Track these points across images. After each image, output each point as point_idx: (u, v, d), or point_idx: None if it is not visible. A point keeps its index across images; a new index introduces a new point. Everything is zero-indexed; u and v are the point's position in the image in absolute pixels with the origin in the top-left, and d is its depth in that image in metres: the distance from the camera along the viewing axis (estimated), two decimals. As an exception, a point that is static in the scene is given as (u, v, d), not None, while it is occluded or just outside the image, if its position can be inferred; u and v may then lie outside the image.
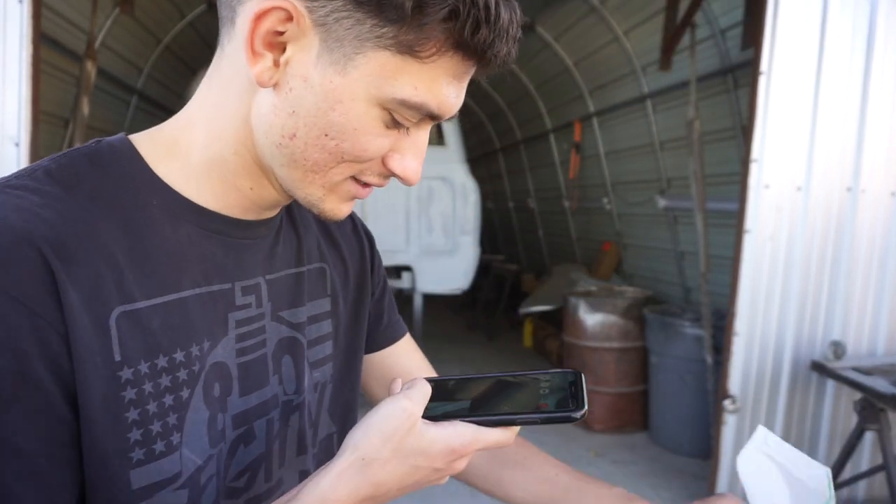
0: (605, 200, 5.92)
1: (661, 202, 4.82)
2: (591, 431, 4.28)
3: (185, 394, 0.53)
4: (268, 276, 0.64)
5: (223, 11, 0.54)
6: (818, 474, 0.71)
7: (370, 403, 0.77)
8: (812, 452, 3.06)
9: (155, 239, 0.54)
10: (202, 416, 0.55)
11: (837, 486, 2.79)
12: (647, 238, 5.41)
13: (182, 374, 0.54)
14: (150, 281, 0.53)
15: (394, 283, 4.66)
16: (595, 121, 5.84)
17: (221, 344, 0.58)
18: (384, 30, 0.48)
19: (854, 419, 2.68)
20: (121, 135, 0.58)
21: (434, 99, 0.52)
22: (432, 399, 0.54)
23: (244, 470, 0.60)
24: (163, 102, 5.67)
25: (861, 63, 2.89)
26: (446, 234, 4.66)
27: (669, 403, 4.00)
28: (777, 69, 2.80)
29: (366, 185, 0.58)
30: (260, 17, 0.49)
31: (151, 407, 0.51)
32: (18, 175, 0.51)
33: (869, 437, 2.88)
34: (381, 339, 0.83)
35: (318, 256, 0.72)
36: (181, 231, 0.56)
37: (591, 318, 4.42)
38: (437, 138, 5.17)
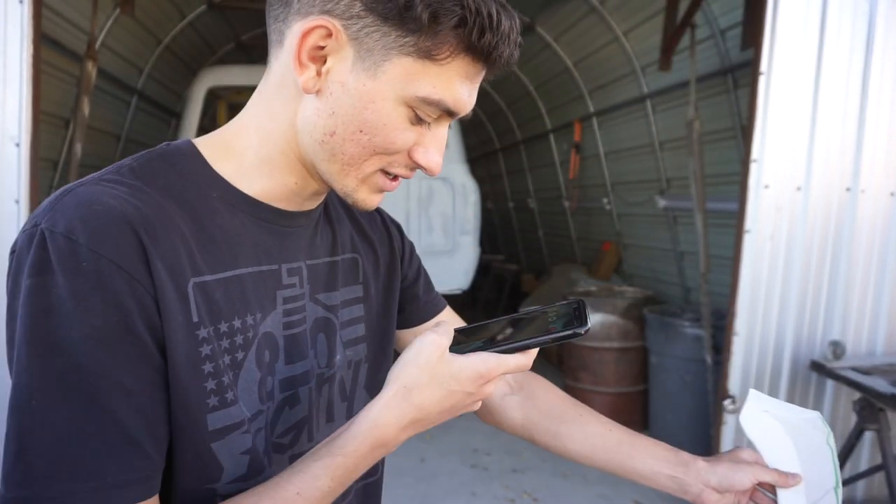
0: (605, 200, 5.93)
1: (661, 202, 4.82)
2: (590, 431, 4.28)
3: (240, 356, 0.63)
4: (308, 262, 0.73)
5: (272, 35, 0.65)
6: (812, 417, 0.82)
7: None
8: (812, 452, 3.06)
9: (216, 224, 0.64)
10: (254, 376, 0.65)
11: (837, 485, 2.79)
12: (647, 238, 5.41)
13: (238, 339, 0.63)
14: (214, 258, 0.63)
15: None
16: (595, 121, 5.84)
17: (271, 317, 0.68)
18: (406, 39, 0.58)
19: (853, 419, 2.68)
20: (186, 139, 0.70)
21: (451, 96, 0.61)
22: (459, 342, 0.64)
23: (290, 429, 0.69)
24: (163, 102, 5.67)
25: (860, 63, 2.89)
26: (446, 234, 4.66)
27: (669, 403, 4.01)
28: (777, 69, 2.80)
29: (394, 178, 0.67)
30: (306, 34, 0.60)
31: (220, 363, 0.61)
32: (108, 171, 0.63)
33: (868, 436, 2.88)
34: (420, 314, 0.92)
35: (351, 248, 0.82)
36: (236, 219, 0.66)
37: (590, 318, 4.42)
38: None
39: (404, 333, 0.91)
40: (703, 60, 4.04)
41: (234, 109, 7.91)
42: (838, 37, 2.85)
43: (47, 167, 3.96)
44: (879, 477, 2.87)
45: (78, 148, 3.61)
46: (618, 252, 5.94)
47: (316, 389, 0.73)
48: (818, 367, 2.81)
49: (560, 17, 5.61)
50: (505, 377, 0.94)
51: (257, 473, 0.63)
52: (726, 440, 3.00)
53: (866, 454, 3.04)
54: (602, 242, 6.19)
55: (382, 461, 0.87)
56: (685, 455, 0.85)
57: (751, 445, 0.84)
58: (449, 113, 0.63)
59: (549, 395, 0.94)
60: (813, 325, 2.99)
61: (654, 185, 5.07)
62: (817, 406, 3.05)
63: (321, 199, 0.75)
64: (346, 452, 0.59)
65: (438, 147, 0.65)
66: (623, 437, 0.89)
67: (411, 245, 0.94)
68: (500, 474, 3.69)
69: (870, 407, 2.53)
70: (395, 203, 4.61)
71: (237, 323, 0.63)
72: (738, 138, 3.90)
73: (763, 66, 2.79)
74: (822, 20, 2.83)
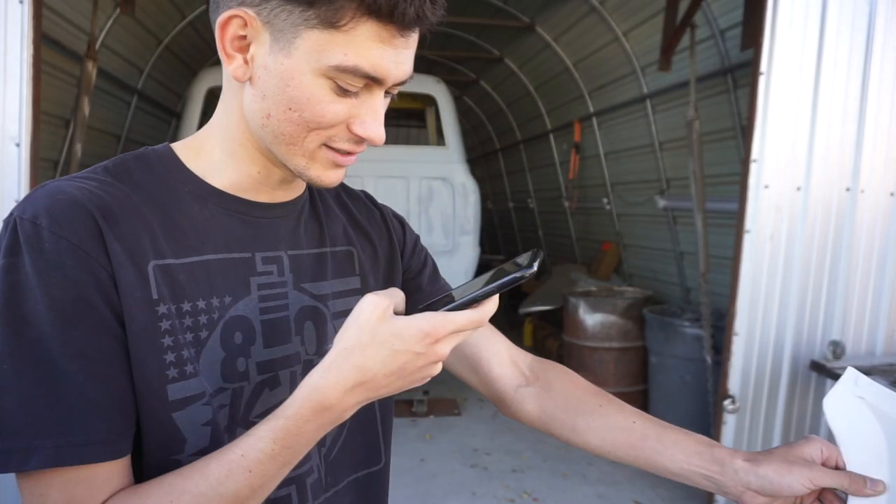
0: (605, 200, 5.93)
1: (661, 202, 4.82)
2: (590, 431, 4.28)
3: (203, 334, 0.66)
4: (290, 252, 0.76)
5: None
6: None
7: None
8: (811, 452, 3.06)
9: (184, 215, 0.68)
10: (217, 355, 0.67)
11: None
12: (646, 238, 5.41)
13: (202, 319, 0.66)
14: (179, 245, 0.67)
15: (394, 283, 4.66)
16: (595, 121, 5.84)
17: (244, 301, 0.70)
18: (308, 13, 0.60)
19: (853, 419, 2.68)
20: (164, 143, 0.74)
21: (366, 62, 0.62)
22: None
23: (269, 409, 0.67)
24: (163, 102, 5.67)
25: (860, 63, 2.89)
26: (446, 234, 4.65)
27: (669, 403, 4.01)
28: (776, 69, 2.80)
29: (347, 153, 0.68)
30: (223, 26, 0.64)
31: (180, 338, 0.64)
32: (86, 170, 0.68)
33: (868, 436, 2.88)
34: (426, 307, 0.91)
35: (346, 241, 0.84)
36: (206, 210, 0.70)
37: (591, 318, 4.43)
38: (438, 138, 5.17)
39: None
40: (703, 60, 4.05)
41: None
42: (838, 37, 2.85)
43: (47, 167, 3.96)
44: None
45: (78, 148, 3.61)
46: (618, 252, 5.94)
47: (302, 375, 0.72)
48: (818, 367, 2.81)
49: (560, 17, 5.61)
50: (519, 367, 0.92)
51: (219, 446, 0.64)
52: (726, 440, 3.00)
53: (866, 454, 3.04)
54: (602, 242, 6.19)
55: (385, 451, 0.88)
56: (721, 451, 0.74)
57: (830, 437, 0.70)
58: (374, 80, 0.63)
59: (566, 384, 0.89)
60: (813, 325, 2.99)
61: (654, 185, 5.07)
62: (816, 406, 3.05)
63: (295, 189, 0.77)
64: (288, 415, 0.59)
65: (375, 117, 0.66)
66: (649, 430, 0.79)
67: (416, 238, 0.95)
68: (500, 474, 3.69)
69: (870, 407, 2.53)
70: (396, 203, 4.61)
71: (201, 304, 0.67)
72: (738, 138, 3.90)
73: (763, 66, 2.79)
74: (822, 20, 2.83)
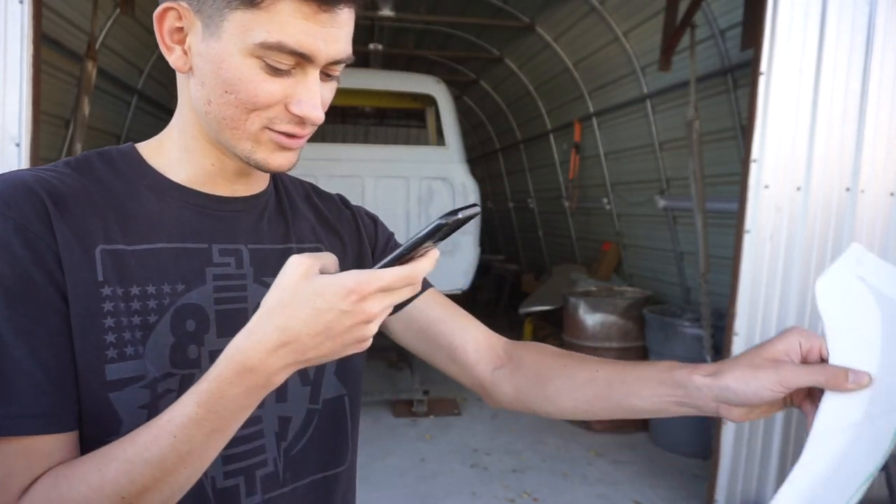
0: (605, 200, 5.93)
1: (661, 202, 4.82)
2: (591, 431, 4.29)
3: (152, 319, 0.67)
4: (251, 246, 0.76)
5: None
6: None
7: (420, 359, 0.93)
8: (811, 452, 3.07)
9: (140, 205, 0.70)
10: (166, 339, 0.67)
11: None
12: (646, 238, 5.41)
13: (151, 304, 0.67)
14: (132, 233, 0.68)
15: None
16: (595, 121, 5.84)
17: (198, 290, 0.70)
18: None
19: (853, 419, 2.68)
20: (129, 143, 0.76)
21: (291, 39, 0.62)
22: None
23: None
24: (163, 102, 5.68)
25: (860, 63, 2.89)
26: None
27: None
28: (777, 69, 2.80)
29: (291, 136, 0.68)
30: (160, 20, 0.67)
31: (124, 321, 0.65)
32: (48, 164, 0.69)
33: (868, 436, 2.88)
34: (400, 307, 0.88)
35: (314, 238, 0.83)
36: (163, 202, 0.71)
37: (591, 318, 4.43)
38: (438, 138, 5.17)
39: (387, 320, 0.89)
40: (703, 60, 4.04)
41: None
42: (838, 37, 2.85)
43: (47, 167, 3.96)
44: (879, 477, 2.88)
45: (78, 148, 3.61)
46: (618, 252, 5.94)
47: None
48: (818, 367, 2.81)
49: (560, 17, 5.61)
50: (495, 351, 0.89)
51: None
52: (726, 440, 3.00)
53: (866, 454, 3.04)
54: (602, 242, 6.19)
55: (352, 452, 0.88)
56: (680, 372, 0.69)
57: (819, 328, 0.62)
58: (303, 57, 0.63)
59: (535, 356, 0.86)
60: (813, 326, 2.99)
61: (654, 185, 5.07)
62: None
63: (256, 184, 0.78)
64: (210, 378, 0.57)
65: (311, 97, 0.66)
66: (612, 376, 0.77)
67: (389, 235, 0.94)
68: (500, 474, 3.69)
69: (870, 407, 2.53)
70: (396, 203, 4.61)
71: (151, 289, 0.67)
72: (738, 138, 3.90)
73: (763, 66, 2.79)
74: (822, 20, 2.83)
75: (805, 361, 0.62)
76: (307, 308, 0.55)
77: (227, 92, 0.65)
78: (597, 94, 5.78)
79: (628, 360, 0.78)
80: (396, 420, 4.50)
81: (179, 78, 0.71)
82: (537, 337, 6.19)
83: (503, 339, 0.93)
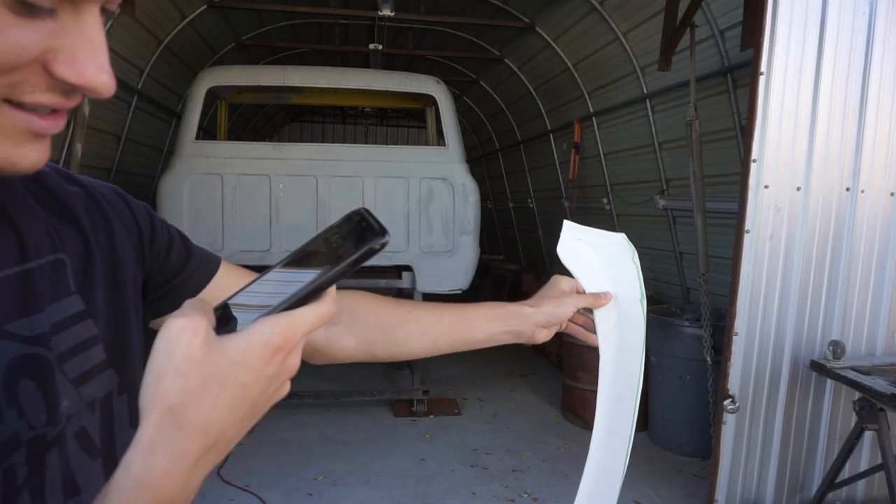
0: (605, 200, 5.93)
1: (661, 202, 4.83)
2: (590, 431, 4.28)
3: None
4: None
5: None
6: (619, 239, 0.90)
7: None
8: (811, 452, 3.07)
9: None
10: None
11: (836, 485, 2.79)
12: (646, 238, 5.41)
13: None
14: None
15: (394, 283, 4.66)
16: (595, 121, 5.84)
17: None
18: None
19: (853, 419, 2.68)
20: None
21: None
22: (229, 319, 0.44)
23: None
24: (163, 102, 5.67)
25: (860, 63, 2.89)
26: (446, 235, 4.65)
27: (669, 403, 4.01)
28: (776, 69, 2.80)
29: (50, 112, 0.43)
30: None
31: None
32: None
33: (868, 436, 2.88)
34: (191, 286, 0.70)
35: (50, 247, 0.55)
36: None
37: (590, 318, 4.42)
38: (438, 138, 5.17)
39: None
40: (702, 60, 4.04)
41: (234, 109, 7.93)
42: (838, 36, 2.85)
43: (47, 167, 3.95)
44: (879, 477, 2.87)
45: (78, 148, 3.61)
46: (618, 252, 5.94)
47: (31, 463, 0.48)
48: (818, 367, 2.81)
49: (560, 17, 5.61)
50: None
51: None
52: (726, 440, 3.00)
53: (866, 454, 3.04)
54: (602, 242, 6.18)
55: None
56: (512, 307, 0.88)
57: (568, 273, 0.91)
58: None
59: (371, 305, 0.87)
60: (813, 325, 2.99)
61: (654, 185, 5.07)
62: (817, 406, 3.05)
63: None
64: None
65: (93, 51, 0.42)
66: (456, 317, 0.88)
67: (146, 209, 0.67)
68: (500, 474, 3.69)
69: (870, 407, 2.53)
70: (396, 203, 4.61)
71: None
72: (738, 138, 3.90)
73: (763, 66, 2.79)
74: (822, 20, 2.83)
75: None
76: (229, 390, 0.40)
77: None
78: (597, 94, 5.78)
79: (463, 304, 0.91)
80: (396, 420, 4.50)
81: None
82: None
83: None
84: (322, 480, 3.54)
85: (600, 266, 0.90)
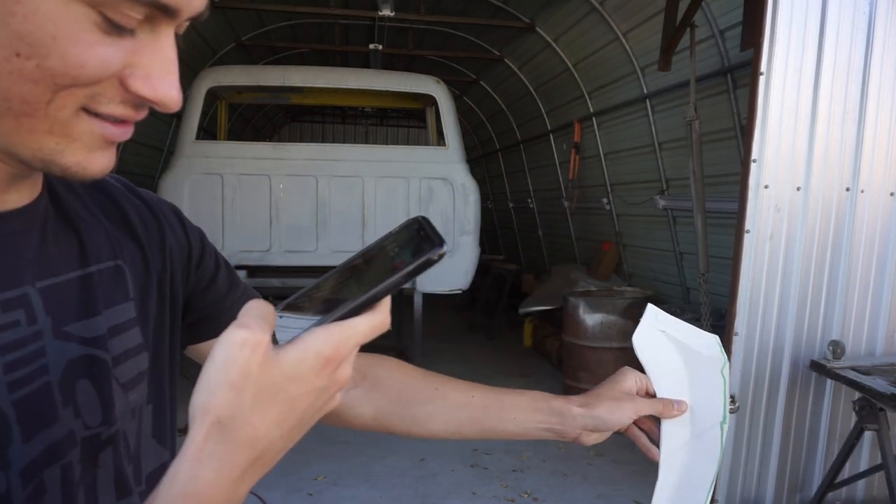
0: (605, 200, 5.93)
1: (661, 202, 4.83)
2: (590, 431, 4.29)
3: None
4: (41, 283, 0.50)
5: None
6: (709, 342, 0.76)
7: None
8: (811, 452, 3.07)
9: None
10: None
11: (836, 485, 2.79)
12: (646, 238, 5.41)
13: None
14: None
15: (394, 283, 4.65)
16: (595, 121, 5.84)
17: None
18: None
19: (853, 419, 2.68)
20: None
21: None
22: (285, 327, 0.44)
23: None
24: (163, 102, 5.67)
25: (860, 62, 2.89)
26: (446, 235, 4.66)
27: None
28: (776, 69, 2.80)
29: (120, 122, 0.45)
30: None
31: None
32: None
33: (868, 436, 2.88)
34: (227, 319, 0.71)
35: (111, 252, 0.57)
36: None
37: (590, 318, 4.43)
38: (438, 138, 5.17)
39: (207, 347, 0.68)
40: (702, 60, 4.05)
41: (234, 109, 7.93)
42: (838, 36, 2.85)
43: (47, 167, 3.95)
44: (879, 477, 2.87)
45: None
46: (618, 252, 5.94)
47: (85, 462, 0.50)
48: (818, 367, 2.81)
49: (560, 17, 5.61)
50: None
51: None
52: (726, 440, 3.00)
53: (866, 454, 3.04)
54: (602, 242, 6.19)
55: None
56: (557, 402, 0.77)
57: (641, 368, 0.78)
58: (163, 8, 0.42)
59: (395, 375, 0.80)
60: (813, 325, 2.99)
61: (654, 185, 5.07)
62: (817, 406, 3.05)
63: (32, 187, 0.51)
64: None
65: (166, 68, 0.44)
66: (489, 401, 0.78)
67: (200, 233, 0.70)
68: (500, 474, 3.69)
69: (870, 407, 2.53)
70: (396, 203, 4.61)
71: None
72: (738, 138, 3.90)
73: (763, 66, 2.78)
74: (822, 20, 2.83)
75: (639, 395, 0.77)
76: (280, 404, 0.40)
77: (19, 56, 0.39)
78: (597, 94, 5.78)
79: (496, 387, 0.81)
80: (396, 420, 4.51)
81: None
82: (537, 337, 6.20)
83: None
84: (322, 480, 3.55)
85: (681, 368, 0.76)
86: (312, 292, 0.45)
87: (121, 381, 0.54)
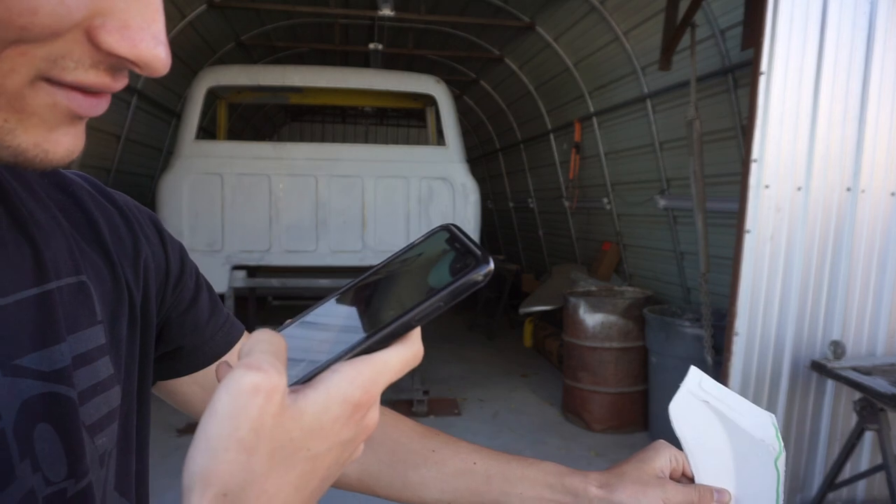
0: (605, 200, 5.93)
1: (661, 202, 4.83)
2: (591, 431, 4.28)
3: None
4: None
5: None
6: (763, 422, 0.62)
7: None
8: (811, 452, 3.07)
9: None
10: None
11: (837, 485, 2.79)
12: (647, 238, 5.41)
13: None
14: None
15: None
16: (595, 121, 5.84)
17: None
18: None
19: (853, 419, 2.68)
20: None
21: None
22: (296, 361, 0.36)
23: None
24: (163, 102, 5.67)
25: (861, 62, 2.89)
26: (446, 234, 4.66)
27: (669, 403, 4.00)
28: (777, 69, 2.80)
29: (92, 93, 0.34)
30: None
31: None
32: None
33: (868, 436, 2.88)
34: (209, 350, 0.60)
35: (73, 267, 0.46)
36: None
37: (591, 318, 4.42)
38: (438, 138, 5.17)
39: (182, 384, 0.60)
40: (703, 60, 4.04)
41: (234, 109, 7.93)
42: (839, 36, 2.85)
43: (47, 167, 3.95)
44: (880, 477, 2.87)
45: (78, 148, 3.61)
46: (618, 252, 5.94)
47: None
48: (818, 367, 2.81)
49: (560, 17, 5.61)
50: None
51: None
52: None
53: (866, 454, 3.04)
54: (602, 242, 6.19)
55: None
56: (573, 479, 0.65)
57: (675, 441, 0.66)
58: None
59: (388, 433, 0.70)
60: (813, 325, 2.99)
61: (654, 185, 5.07)
62: (817, 406, 3.04)
63: None
64: None
65: (145, 14, 0.32)
66: (492, 470, 0.67)
67: (180, 247, 0.59)
68: (500, 474, 3.68)
69: (870, 407, 2.53)
70: (396, 203, 4.61)
71: None
72: (739, 138, 3.90)
73: (763, 66, 2.78)
74: (823, 20, 2.83)
75: (673, 476, 0.64)
76: (300, 464, 0.33)
77: None
78: (597, 93, 5.78)
79: (502, 453, 0.71)
80: (396, 420, 4.50)
81: None
82: (537, 337, 6.20)
83: None
84: None
85: (727, 450, 0.62)
86: (328, 311, 0.38)
87: (88, 422, 0.44)
